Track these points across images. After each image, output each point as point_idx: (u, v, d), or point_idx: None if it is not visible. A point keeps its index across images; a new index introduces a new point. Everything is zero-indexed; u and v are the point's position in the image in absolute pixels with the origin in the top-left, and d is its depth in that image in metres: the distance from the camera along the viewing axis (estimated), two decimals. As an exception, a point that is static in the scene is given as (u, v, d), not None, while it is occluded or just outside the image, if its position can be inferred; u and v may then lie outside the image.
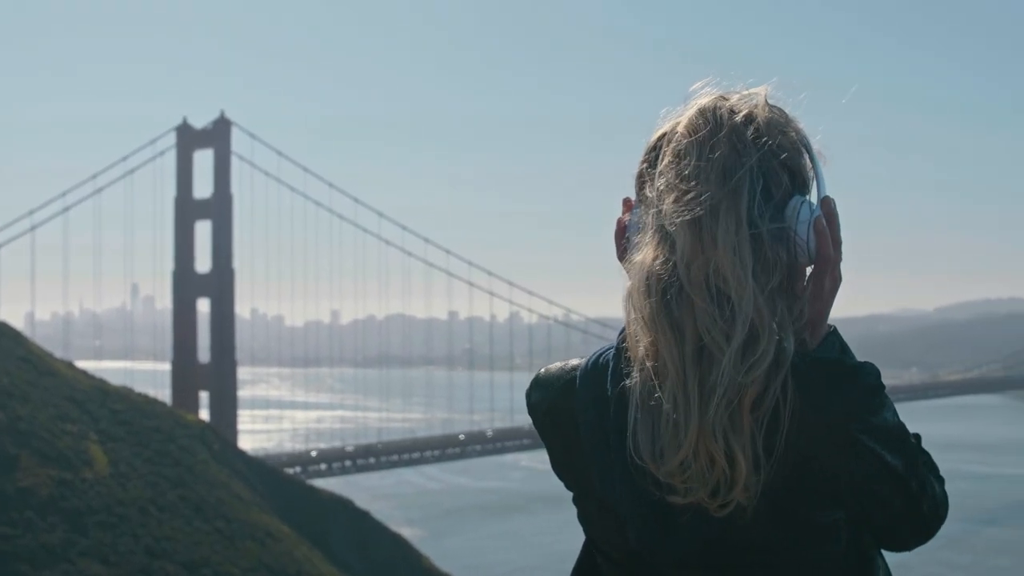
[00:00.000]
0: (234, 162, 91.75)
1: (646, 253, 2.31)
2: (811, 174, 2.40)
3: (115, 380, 68.50)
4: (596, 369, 2.43)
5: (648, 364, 2.27)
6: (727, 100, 2.39)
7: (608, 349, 2.45)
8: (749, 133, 2.34)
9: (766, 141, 2.33)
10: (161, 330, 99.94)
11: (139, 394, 67.29)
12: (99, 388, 64.81)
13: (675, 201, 2.30)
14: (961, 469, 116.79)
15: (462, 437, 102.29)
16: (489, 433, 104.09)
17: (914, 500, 2.34)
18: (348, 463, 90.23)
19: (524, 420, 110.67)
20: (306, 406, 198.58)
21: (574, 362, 2.53)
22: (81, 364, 70.25)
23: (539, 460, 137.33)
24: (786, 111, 2.42)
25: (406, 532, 77.51)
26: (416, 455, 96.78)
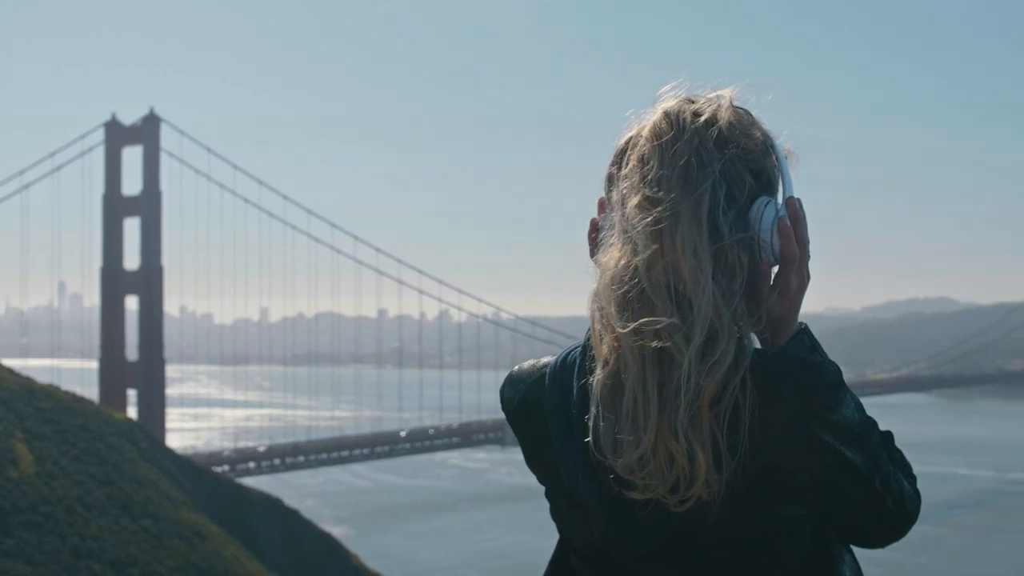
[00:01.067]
0: (163, 159, 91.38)
1: (611, 255, 2.35)
2: (777, 174, 2.43)
3: (42, 378, 67.91)
4: (564, 366, 2.48)
5: (610, 362, 2.31)
6: (692, 103, 2.42)
7: (576, 347, 2.50)
8: (712, 136, 2.36)
9: (730, 144, 2.36)
10: (88, 328, 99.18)
11: (66, 392, 66.69)
12: (25, 386, 64.19)
13: (638, 206, 2.33)
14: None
15: (403, 434, 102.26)
16: (431, 431, 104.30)
17: (877, 497, 2.36)
18: (277, 461, 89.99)
19: (453, 418, 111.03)
20: (235, 404, 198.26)
21: (546, 360, 2.58)
22: (7, 362, 69.49)
23: (469, 459, 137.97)
24: (751, 112, 2.45)
25: (336, 531, 77.37)
26: (345, 453, 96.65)
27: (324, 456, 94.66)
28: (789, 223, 2.38)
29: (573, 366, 2.45)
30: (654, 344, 2.25)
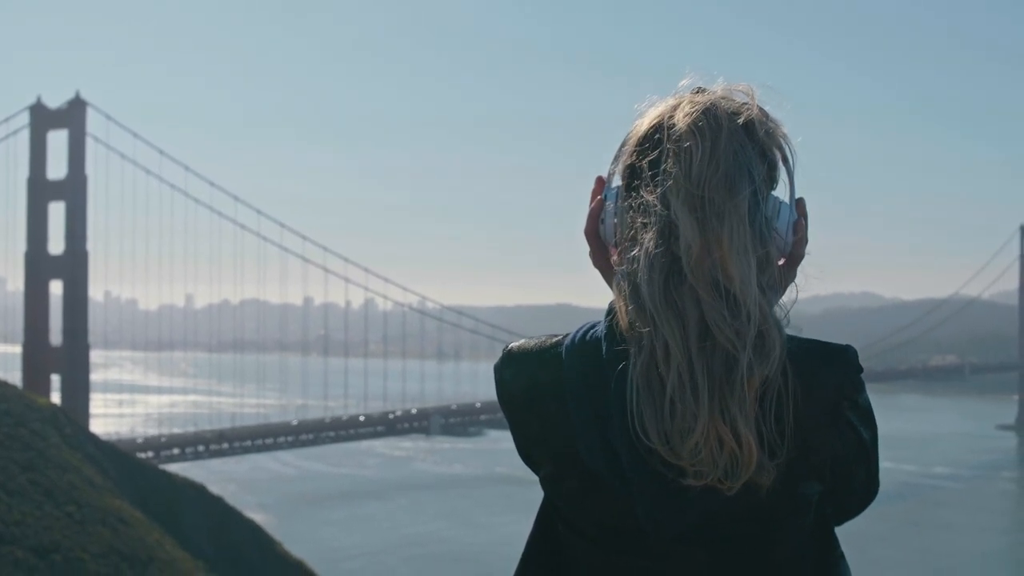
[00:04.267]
0: (89, 143, 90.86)
1: (648, 243, 2.38)
2: (782, 174, 2.54)
3: (-35, 363, 67.43)
4: (583, 348, 2.47)
5: (651, 348, 2.33)
6: (725, 100, 2.50)
7: (593, 327, 2.50)
8: (750, 137, 2.46)
9: (761, 145, 2.48)
10: (12, 312, 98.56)
11: (-11, 377, 66.36)
12: (-52, 370, 63.85)
13: (682, 200, 2.37)
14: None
15: (327, 420, 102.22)
16: (363, 418, 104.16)
17: (872, 476, 2.62)
18: (201, 448, 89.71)
19: (378, 407, 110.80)
20: (159, 390, 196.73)
21: (552, 339, 2.56)
22: (-71, 346, 69.05)
23: (394, 447, 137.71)
24: (768, 112, 2.53)
25: (260, 517, 77.17)
26: (270, 440, 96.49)
27: (249, 443, 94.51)
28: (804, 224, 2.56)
29: (596, 348, 2.45)
30: (697, 331, 2.32)
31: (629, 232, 2.45)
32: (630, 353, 2.37)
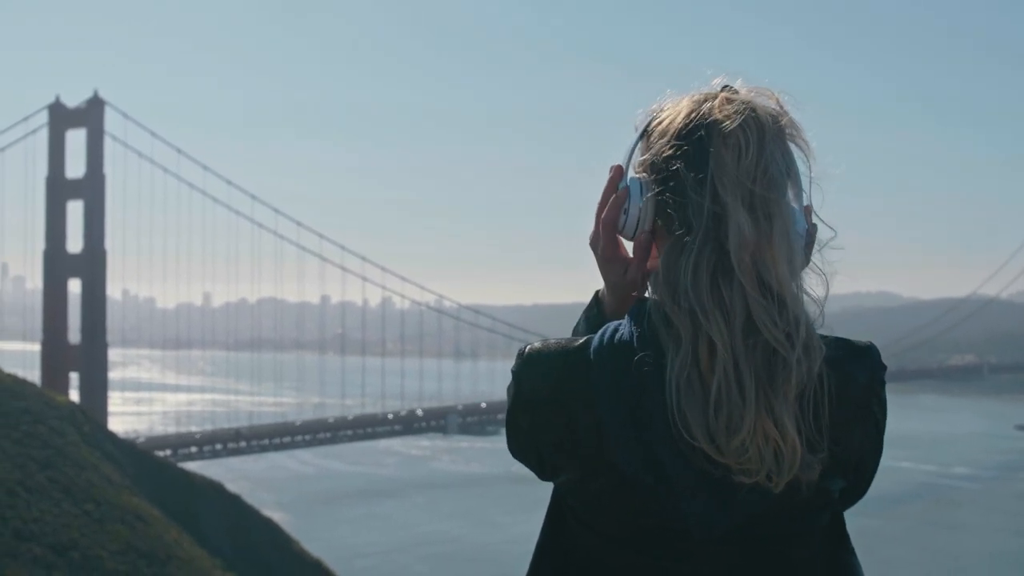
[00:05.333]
0: (107, 142, 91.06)
1: (696, 237, 2.37)
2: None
3: (-17, 360, 67.55)
4: (614, 348, 2.42)
5: (692, 346, 2.32)
6: (762, 102, 2.49)
7: (618, 326, 2.45)
8: (790, 141, 2.48)
9: (793, 147, 2.50)
10: (31, 310, 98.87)
11: (8, 374, 66.40)
12: (-33, 368, 64.01)
13: (737, 196, 2.37)
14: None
15: (345, 419, 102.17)
16: (384, 416, 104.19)
17: (877, 468, 2.61)
18: (219, 446, 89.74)
19: (395, 406, 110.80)
20: (177, 389, 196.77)
21: (576, 341, 2.49)
22: (-51, 344, 69.20)
23: (412, 446, 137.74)
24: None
25: (277, 516, 77.26)
26: (287, 439, 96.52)
27: (267, 442, 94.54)
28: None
29: (626, 349, 2.40)
30: (742, 327, 2.32)
31: (668, 226, 2.45)
32: (666, 352, 2.35)
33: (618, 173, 2.58)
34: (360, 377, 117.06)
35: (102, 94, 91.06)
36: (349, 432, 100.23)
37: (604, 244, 2.61)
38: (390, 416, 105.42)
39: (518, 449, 2.63)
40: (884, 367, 2.51)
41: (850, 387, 2.42)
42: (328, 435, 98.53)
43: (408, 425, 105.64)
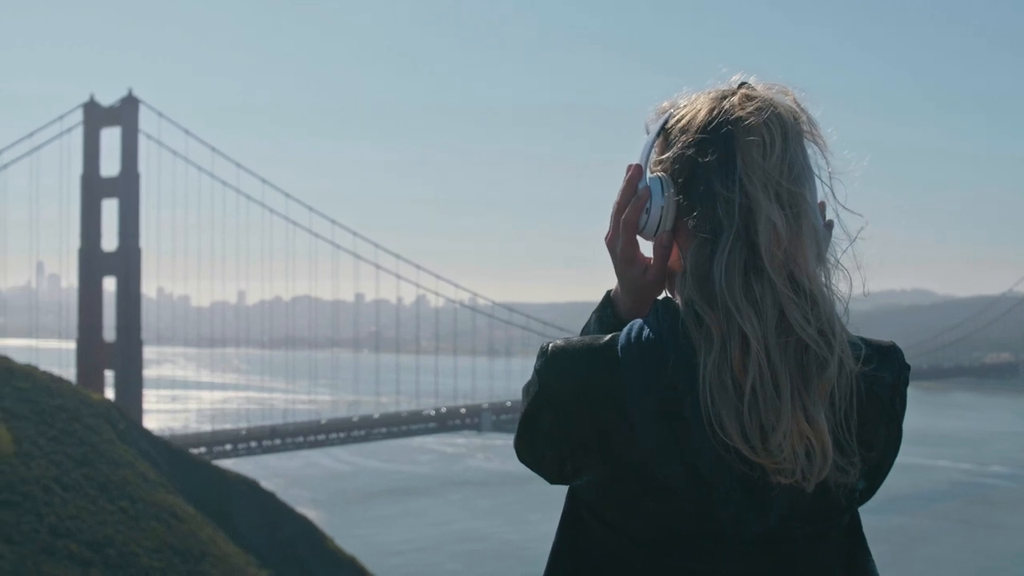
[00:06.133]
0: (141, 140, 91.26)
1: (726, 234, 2.34)
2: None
3: (20, 358, 67.84)
4: (643, 346, 2.37)
5: (723, 344, 2.29)
6: (781, 99, 2.46)
7: (644, 324, 2.41)
8: (807, 136, 2.45)
9: (809, 149, 2.46)
10: (66, 308, 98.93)
11: (44, 372, 66.68)
12: (3, 366, 64.19)
13: (768, 192, 2.34)
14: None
15: (384, 416, 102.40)
16: (418, 414, 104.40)
17: (891, 467, 2.55)
18: (254, 444, 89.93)
19: (430, 403, 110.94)
20: (212, 386, 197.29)
21: (602, 339, 2.43)
22: (-15, 342, 69.51)
23: (446, 444, 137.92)
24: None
25: (312, 513, 77.45)
26: (322, 437, 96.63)
27: (301, 439, 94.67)
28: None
29: (655, 347, 2.36)
30: (775, 325, 2.29)
31: (695, 224, 2.41)
32: (698, 350, 2.31)
33: (637, 172, 2.53)
34: (395, 375, 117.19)
35: (136, 93, 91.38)
36: (383, 430, 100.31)
37: (624, 245, 2.56)
38: (426, 414, 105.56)
39: (533, 449, 2.55)
40: (908, 367, 2.48)
41: (876, 387, 2.40)
42: (362, 433, 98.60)
43: (442, 423, 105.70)
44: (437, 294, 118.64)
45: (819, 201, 2.46)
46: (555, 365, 2.43)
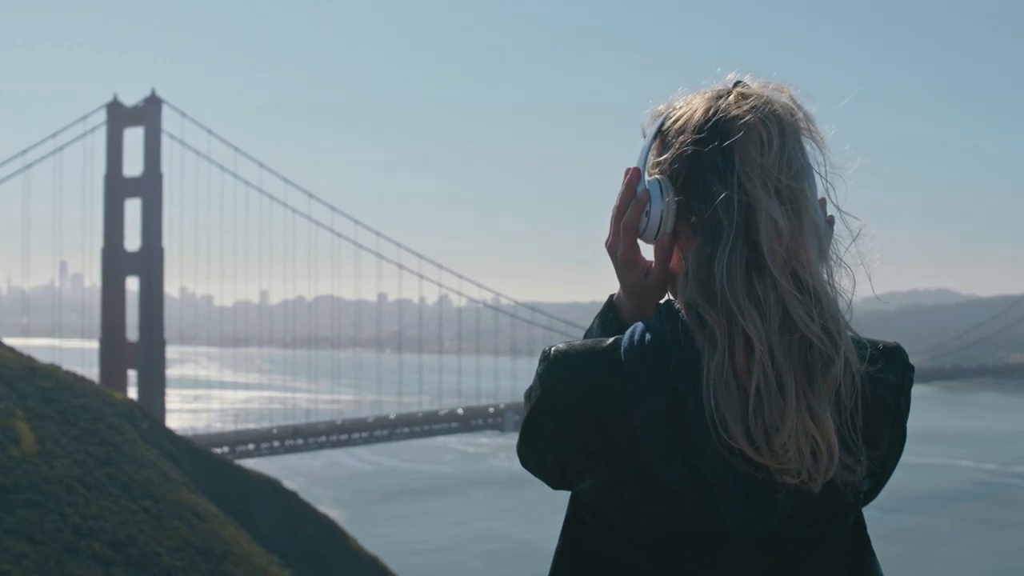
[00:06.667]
0: (164, 140, 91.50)
1: (727, 234, 2.32)
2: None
3: (43, 358, 68.01)
4: (646, 348, 2.35)
5: (727, 344, 2.27)
6: (776, 96, 2.44)
7: (647, 327, 2.39)
8: (809, 134, 2.44)
9: (806, 145, 2.45)
10: (89, 308, 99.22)
11: (67, 372, 66.82)
12: (26, 366, 64.34)
13: (768, 190, 2.32)
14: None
15: (407, 416, 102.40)
16: (441, 413, 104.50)
17: (895, 467, 2.55)
18: (276, 444, 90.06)
19: (452, 403, 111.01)
20: (235, 386, 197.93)
21: (604, 342, 2.42)
22: (8, 341, 69.66)
23: (469, 444, 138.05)
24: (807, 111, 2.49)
25: (334, 513, 77.57)
26: (344, 436, 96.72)
27: (323, 439, 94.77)
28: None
29: (658, 349, 2.34)
30: (778, 325, 2.28)
31: (695, 225, 2.40)
32: (701, 353, 2.30)
33: (635, 175, 2.51)
34: (417, 374, 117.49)
35: (159, 93, 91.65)
36: (406, 429, 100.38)
37: (624, 248, 2.55)
38: (448, 413, 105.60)
39: (536, 454, 2.54)
40: (912, 368, 2.48)
41: (881, 388, 2.39)
42: (385, 432, 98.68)
43: (465, 422, 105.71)
44: (460, 294, 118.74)
45: (819, 198, 2.45)
46: (558, 369, 2.42)
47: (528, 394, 2.50)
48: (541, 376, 2.44)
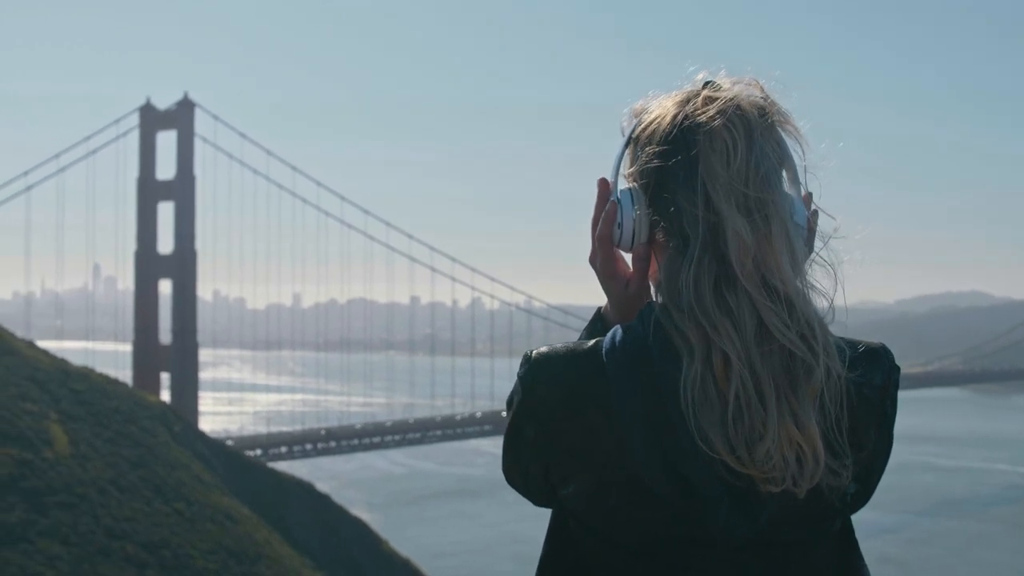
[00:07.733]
0: (197, 144, 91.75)
1: (693, 246, 2.29)
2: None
3: (76, 360, 68.32)
4: (627, 351, 2.32)
5: (705, 356, 2.24)
6: (747, 95, 2.40)
7: (627, 329, 2.36)
8: (781, 133, 2.40)
9: (789, 140, 2.42)
10: (123, 311, 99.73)
11: (100, 374, 67.13)
12: (60, 368, 64.65)
13: (731, 200, 2.29)
14: (928, 462, 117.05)
15: (440, 419, 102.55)
16: (458, 417, 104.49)
17: (884, 470, 2.49)
18: (309, 446, 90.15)
19: (485, 406, 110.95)
20: (267, 389, 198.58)
21: (583, 345, 2.39)
22: (42, 344, 70.03)
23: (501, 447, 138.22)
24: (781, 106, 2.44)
25: (367, 515, 77.70)
26: (377, 439, 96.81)
27: (356, 442, 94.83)
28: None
29: (641, 352, 2.31)
30: (753, 334, 2.24)
31: (663, 236, 2.40)
32: (682, 356, 2.27)
33: (604, 186, 2.50)
34: (450, 377, 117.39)
35: (192, 96, 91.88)
36: (439, 432, 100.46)
37: (602, 260, 2.55)
38: (481, 416, 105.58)
39: (518, 464, 2.54)
40: (898, 368, 2.43)
41: (866, 390, 2.36)
42: (418, 435, 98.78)
43: (498, 425, 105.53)
44: (492, 296, 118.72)
45: (805, 193, 2.43)
46: (539, 371, 2.41)
47: (509, 400, 2.48)
48: (522, 379, 2.42)
